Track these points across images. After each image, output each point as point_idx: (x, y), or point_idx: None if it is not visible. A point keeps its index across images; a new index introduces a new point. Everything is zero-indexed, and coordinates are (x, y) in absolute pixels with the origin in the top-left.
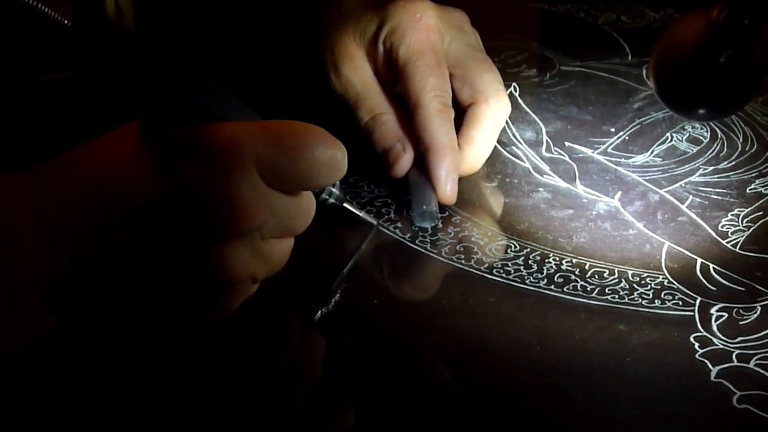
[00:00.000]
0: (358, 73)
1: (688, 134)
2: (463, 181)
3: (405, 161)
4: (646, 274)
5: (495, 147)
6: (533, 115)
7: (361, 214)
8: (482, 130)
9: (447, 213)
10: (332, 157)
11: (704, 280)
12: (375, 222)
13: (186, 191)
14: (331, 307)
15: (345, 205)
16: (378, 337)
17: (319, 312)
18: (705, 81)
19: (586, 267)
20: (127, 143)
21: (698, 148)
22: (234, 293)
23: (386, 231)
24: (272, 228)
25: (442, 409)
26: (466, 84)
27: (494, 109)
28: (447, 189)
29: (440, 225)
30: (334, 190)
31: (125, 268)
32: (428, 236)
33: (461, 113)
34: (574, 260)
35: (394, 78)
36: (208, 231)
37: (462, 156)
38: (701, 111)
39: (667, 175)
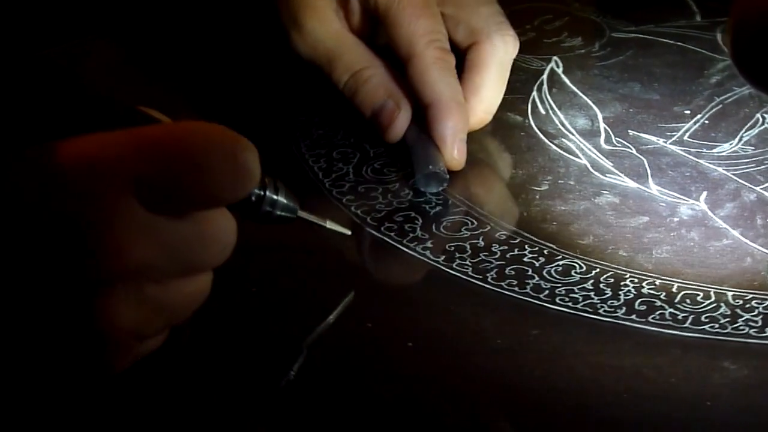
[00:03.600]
0: (326, 26)
1: None
2: (505, 185)
3: (401, 120)
4: (750, 296)
5: (541, 141)
6: (584, 96)
7: (327, 224)
8: (489, 75)
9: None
10: (234, 161)
11: None
12: (348, 232)
13: (37, 229)
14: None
15: (301, 214)
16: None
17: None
18: None
19: (674, 289)
20: None
21: None
22: (119, 352)
23: (413, 253)
24: (166, 267)
25: None
26: (460, 23)
27: (499, 47)
28: (455, 151)
29: (481, 243)
30: (277, 197)
31: None
32: (468, 258)
33: (460, 58)
34: (657, 282)
35: (370, 30)
36: (73, 279)
37: (469, 108)
38: None
39: (763, 167)
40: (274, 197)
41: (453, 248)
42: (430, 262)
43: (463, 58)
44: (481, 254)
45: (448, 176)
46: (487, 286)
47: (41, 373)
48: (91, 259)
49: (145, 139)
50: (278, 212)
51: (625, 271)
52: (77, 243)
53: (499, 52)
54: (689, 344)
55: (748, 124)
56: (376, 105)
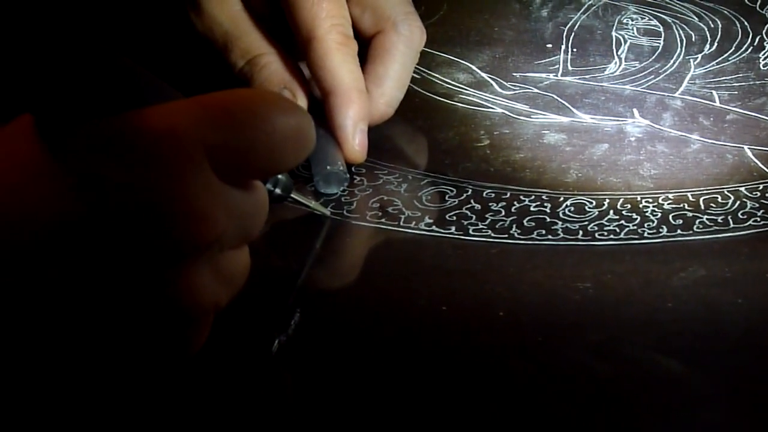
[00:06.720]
0: (224, 8)
1: (634, 29)
2: (448, 150)
3: None
4: (761, 186)
5: (442, 102)
6: (443, 54)
7: (312, 204)
8: (394, 66)
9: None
10: (298, 128)
11: None
12: (329, 213)
13: (119, 204)
14: (291, 332)
15: (293, 195)
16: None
17: (277, 341)
18: None
19: (691, 198)
20: (20, 148)
21: (662, 39)
22: (201, 328)
23: (417, 232)
24: (232, 236)
25: None
26: (366, 9)
27: (406, 37)
28: (355, 143)
29: (477, 206)
30: (280, 177)
31: (45, 316)
32: (478, 222)
33: (363, 47)
34: (670, 196)
35: (271, 11)
36: (159, 252)
37: (370, 100)
38: None
39: (662, 76)
40: (278, 176)
41: (455, 217)
42: (443, 236)
43: (367, 47)
44: (487, 215)
45: (347, 175)
46: (519, 242)
47: (121, 358)
48: (176, 230)
49: (215, 108)
50: (278, 191)
51: (632, 194)
52: (160, 215)
53: (406, 44)
54: (743, 241)
55: (614, 45)
56: None
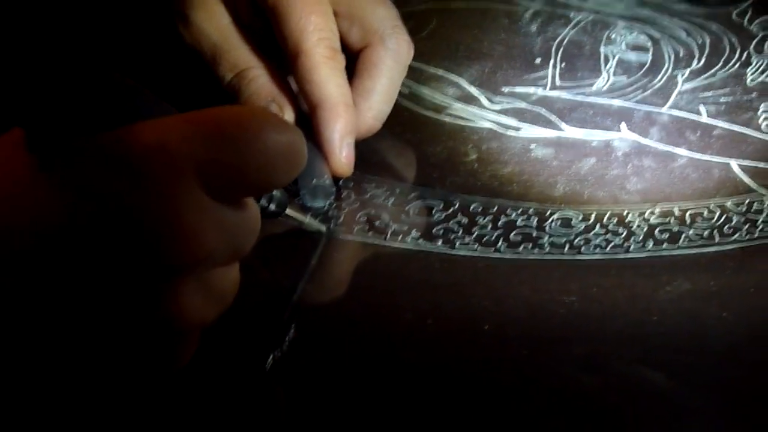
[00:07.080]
0: (213, 21)
1: (622, 44)
2: (436, 164)
3: None
4: (747, 200)
5: (431, 117)
6: (431, 69)
7: (307, 220)
8: (381, 80)
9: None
10: (290, 145)
11: None
12: (324, 229)
13: (108, 219)
14: (286, 348)
15: (288, 211)
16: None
17: (271, 357)
18: None
19: (677, 213)
20: (11, 162)
21: (650, 54)
22: (188, 344)
23: (404, 246)
24: (222, 253)
25: None
26: (354, 23)
27: (394, 51)
28: (342, 156)
29: (464, 220)
30: (275, 193)
31: (38, 323)
32: (465, 236)
33: (351, 61)
34: (655, 210)
35: (259, 24)
36: (147, 268)
37: (358, 114)
38: None
39: (650, 91)
40: (273, 192)
41: (442, 231)
42: (430, 250)
43: (354, 61)
44: (474, 229)
45: (334, 189)
46: (506, 256)
47: (108, 369)
48: (164, 248)
49: (207, 124)
50: (272, 207)
51: (619, 208)
52: (149, 231)
53: (394, 57)
54: (731, 256)
55: (602, 60)
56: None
